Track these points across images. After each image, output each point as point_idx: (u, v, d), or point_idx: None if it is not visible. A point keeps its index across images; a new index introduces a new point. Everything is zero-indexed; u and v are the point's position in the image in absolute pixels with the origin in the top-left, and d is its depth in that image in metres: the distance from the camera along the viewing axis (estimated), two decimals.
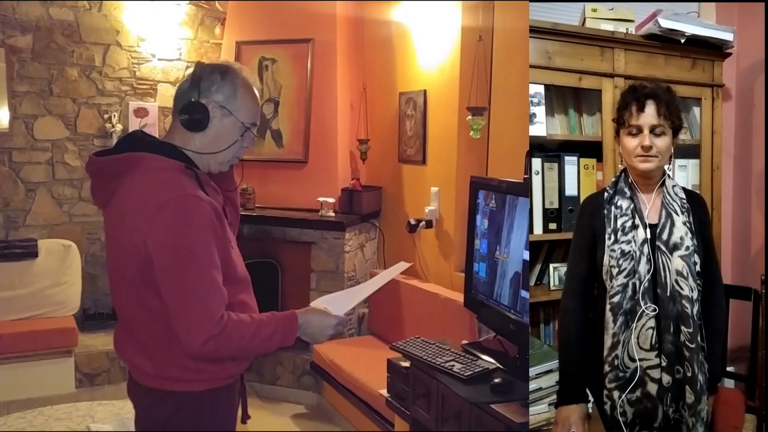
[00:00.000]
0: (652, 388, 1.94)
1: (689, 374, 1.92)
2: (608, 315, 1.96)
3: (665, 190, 2.02)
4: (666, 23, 2.74)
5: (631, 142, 1.98)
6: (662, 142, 1.96)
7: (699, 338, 1.94)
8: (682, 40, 2.81)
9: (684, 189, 2.08)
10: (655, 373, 1.93)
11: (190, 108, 1.74)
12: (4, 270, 4.42)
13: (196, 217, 1.64)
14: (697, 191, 2.86)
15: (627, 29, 2.88)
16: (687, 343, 1.92)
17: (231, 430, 1.91)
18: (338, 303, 1.94)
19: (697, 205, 2.07)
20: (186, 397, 1.76)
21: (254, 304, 1.86)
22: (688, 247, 1.95)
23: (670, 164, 2.08)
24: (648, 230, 1.97)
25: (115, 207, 1.74)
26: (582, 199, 2.79)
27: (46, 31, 4.71)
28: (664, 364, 1.94)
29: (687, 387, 1.93)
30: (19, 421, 3.41)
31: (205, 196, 1.68)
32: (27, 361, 4.20)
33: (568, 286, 2.17)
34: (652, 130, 1.95)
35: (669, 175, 2.07)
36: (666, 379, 1.93)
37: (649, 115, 1.95)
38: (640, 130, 1.96)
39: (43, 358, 4.24)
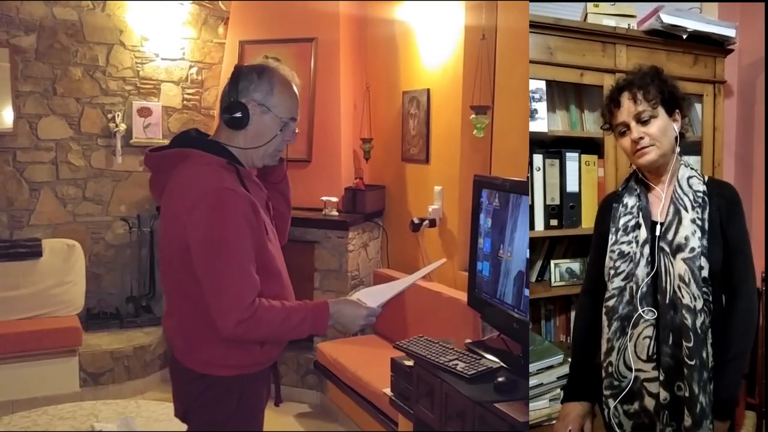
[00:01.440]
0: (650, 402, 1.81)
1: (687, 394, 1.75)
2: (603, 319, 1.89)
3: (676, 183, 1.86)
4: (668, 19, 2.74)
5: (624, 142, 1.90)
6: (653, 128, 1.84)
7: (703, 355, 1.74)
8: (684, 36, 2.80)
9: (711, 180, 1.92)
10: (653, 387, 1.81)
11: (231, 107, 1.86)
12: (8, 269, 4.43)
13: (231, 208, 1.76)
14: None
15: (629, 25, 2.88)
16: (686, 359, 1.74)
17: (258, 416, 2.01)
18: (374, 295, 2.04)
19: (720, 197, 1.85)
20: (214, 381, 1.88)
21: (291, 297, 1.97)
22: (692, 249, 1.77)
23: (678, 147, 1.89)
24: (656, 229, 1.85)
25: (165, 199, 1.88)
26: (583, 195, 2.79)
27: (50, 31, 4.72)
28: (662, 378, 1.79)
29: (685, 408, 1.76)
30: (24, 420, 3.42)
31: (242, 190, 1.80)
32: (31, 360, 4.21)
33: (584, 284, 2.16)
34: (637, 120, 1.84)
35: (685, 164, 1.91)
36: (664, 395, 1.79)
37: (626, 106, 1.86)
38: (627, 126, 1.87)
39: (48, 357, 4.25)
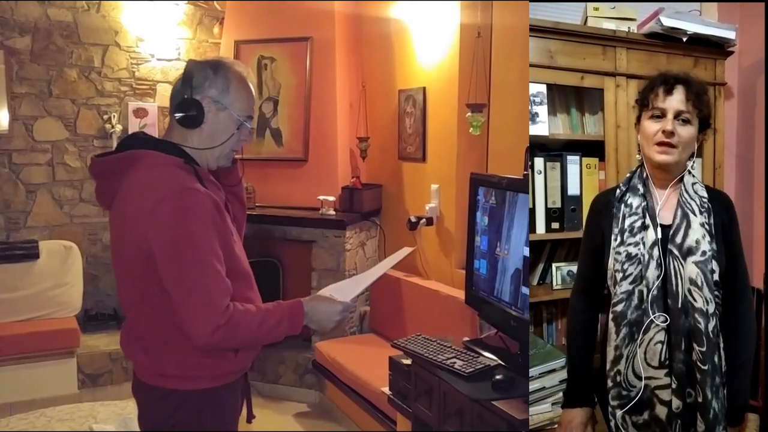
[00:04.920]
0: (661, 411, 1.76)
1: (700, 400, 1.72)
2: (610, 325, 1.82)
3: (683, 187, 1.84)
4: (668, 21, 2.73)
5: (652, 126, 1.83)
6: (686, 132, 1.81)
7: (715, 359, 1.73)
8: (685, 39, 2.80)
9: (708, 187, 1.90)
10: (665, 395, 1.76)
11: (185, 105, 1.74)
12: (5, 272, 4.42)
13: (195, 209, 1.65)
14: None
15: (629, 28, 2.87)
16: (699, 363, 1.72)
17: (233, 430, 1.89)
18: (344, 290, 1.94)
19: (720, 205, 1.87)
20: (186, 395, 1.75)
21: (259, 300, 1.86)
22: (704, 252, 1.75)
23: (692, 161, 1.88)
24: (660, 231, 1.81)
25: (118, 205, 1.74)
26: (584, 198, 2.78)
27: (45, 33, 4.71)
28: (674, 385, 1.75)
29: (698, 414, 1.73)
30: (22, 422, 3.41)
31: (204, 189, 1.68)
32: (29, 362, 4.20)
33: (576, 286, 2.10)
34: (677, 116, 1.80)
35: (690, 171, 1.88)
36: (676, 403, 1.75)
37: (677, 99, 1.81)
38: (664, 114, 1.81)
39: (46, 359, 4.25)
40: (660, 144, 1.81)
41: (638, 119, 1.92)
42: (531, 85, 2.69)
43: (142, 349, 1.78)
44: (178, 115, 1.75)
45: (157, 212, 1.63)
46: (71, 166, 4.87)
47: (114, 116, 4.90)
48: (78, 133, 4.88)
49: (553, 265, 2.89)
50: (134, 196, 1.68)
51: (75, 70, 4.83)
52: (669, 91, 1.83)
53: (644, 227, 1.82)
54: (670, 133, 1.79)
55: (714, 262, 1.76)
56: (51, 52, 4.74)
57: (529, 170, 2.72)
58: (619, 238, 1.84)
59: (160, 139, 1.80)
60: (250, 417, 2.02)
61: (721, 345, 1.76)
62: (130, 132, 4.90)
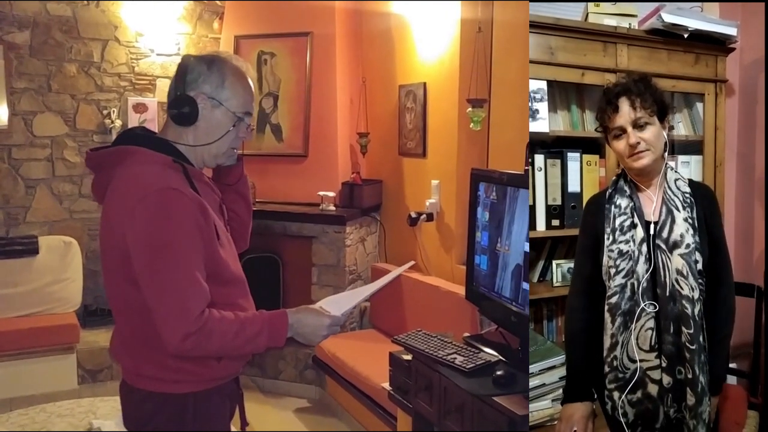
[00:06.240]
0: (653, 389, 1.91)
1: (690, 376, 1.88)
2: (606, 316, 1.95)
3: (666, 185, 1.97)
4: (669, 18, 2.73)
5: (619, 145, 1.95)
6: (649, 134, 1.91)
7: (701, 339, 1.89)
8: (686, 35, 2.79)
9: (691, 181, 2.02)
10: (656, 374, 1.91)
11: (178, 102, 1.69)
12: (4, 267, 4.42)
13: (176, 210, 1.59)
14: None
15: (630, 24, 2.87)
16: (687, 344, 1.87)
17: None
18: (338, 303, 1.87)
19: (703, 197, 1.99)
20: (167, 398, 1.71)
21: (251, 306, 1.81)
22: (688, 245, 1.89)
23: (666, 153, 1.99)
24: (650, 228, 1.93)
25: (105, 201, 1.71)
26: (585, 195, 2.78)
27: (44, 27, 4.70)
28: (664, 365, 1.90)
29: (688, 389, 1.89)
30: (22, 417, 3.42)
31: (189, 191, 1.63)
32: (29, 358, 4.20)
33: (573, 285, 2.16)
34: (634, 125, 1.91)
35: (671, 168, 2.01)
36: (666, 380, 1.90)
37: (625, 112, 1.92)
38: (623, 130, 1.93)
39: (45, 354, 4.25)
40: (632, 155, 1.93)
41: (606, 139, 2.04)
42: (531, 81, 2.68)
43: (125, 349, 1.76)
44: (171, 111, 1.70)
45: (136, 211, 1.58)
46: (71, 161, 4.86)
47: (113, 111, 4.89)
48: (77, 128, 4.87)
49: (554, 263, 2.89)
50: (117, 194, 1.65)
51: (74, 65, 4.82)
52: (615, 109, 1.94)
53: (633, 226, 1.95)
54: (636, 144, 1.91)
55: (697, 253, 1.90)
56: (50, 47, 4.73)
57: (529, 167, 2.71)
58: (611, 237, 1.96)
59: (154, 135, 1.76)
60: (244, 425, 1.94)
61: (704, 326, 1.92)
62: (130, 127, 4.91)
